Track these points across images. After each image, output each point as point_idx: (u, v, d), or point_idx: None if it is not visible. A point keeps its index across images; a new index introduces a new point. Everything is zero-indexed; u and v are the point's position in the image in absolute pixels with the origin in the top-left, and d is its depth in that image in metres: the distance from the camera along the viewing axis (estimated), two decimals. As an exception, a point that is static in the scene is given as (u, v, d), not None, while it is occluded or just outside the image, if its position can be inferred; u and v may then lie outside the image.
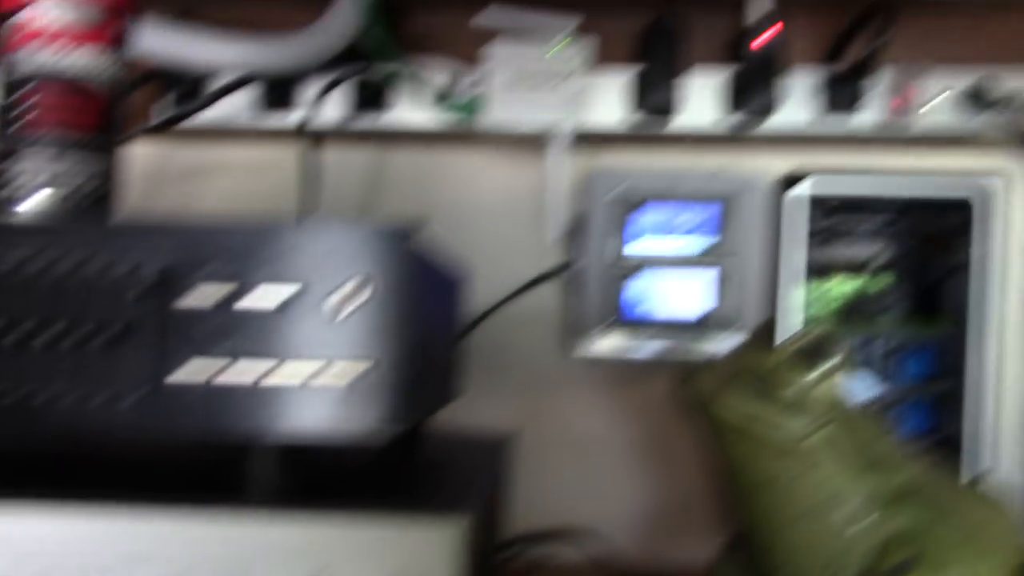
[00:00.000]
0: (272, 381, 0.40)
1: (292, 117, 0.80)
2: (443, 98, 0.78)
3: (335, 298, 0.40)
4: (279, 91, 0.80)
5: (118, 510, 0.38)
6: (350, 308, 0.40)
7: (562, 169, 0.77)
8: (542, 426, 0.82)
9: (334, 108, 0.80)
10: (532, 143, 0.81)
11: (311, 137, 0.78)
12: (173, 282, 0.40)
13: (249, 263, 0.40)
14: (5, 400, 0.40)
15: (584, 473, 0.82)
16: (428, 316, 0.46)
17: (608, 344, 0.76)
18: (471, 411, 0.81)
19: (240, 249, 0.40)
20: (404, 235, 0.40)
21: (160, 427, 0.40)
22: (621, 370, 0.82)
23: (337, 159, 0.83)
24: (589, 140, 0.81)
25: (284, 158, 0.84)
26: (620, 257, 0.76)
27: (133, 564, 0.38)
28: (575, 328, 0.77)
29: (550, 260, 0.81)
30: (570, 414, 0.82)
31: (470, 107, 0.78)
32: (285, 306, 0.40)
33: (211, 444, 0.40)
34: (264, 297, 0.40)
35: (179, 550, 0.38)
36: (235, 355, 0.40)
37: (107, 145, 0.49)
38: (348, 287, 0.40)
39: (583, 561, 0.78)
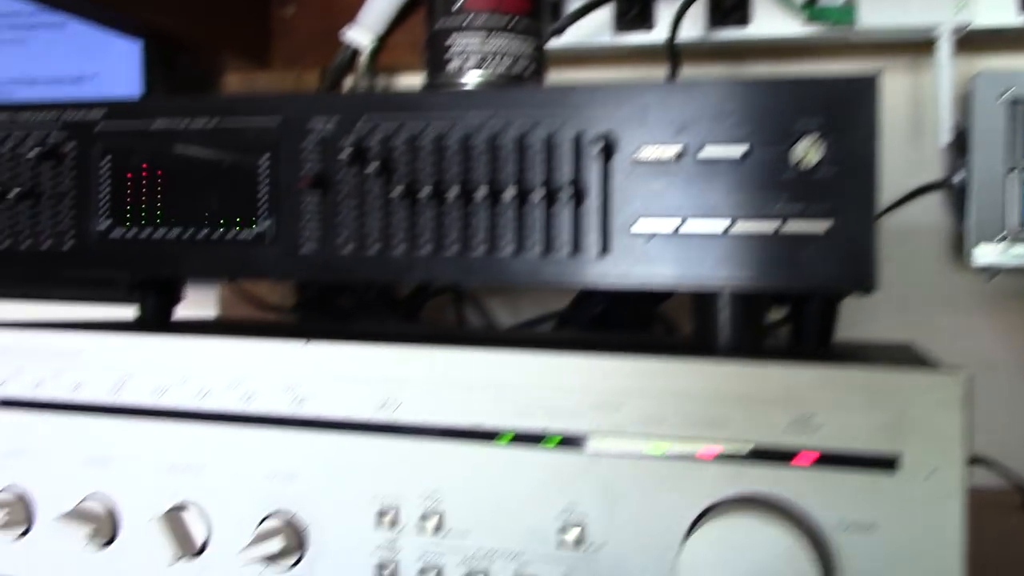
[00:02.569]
0: (739, 230, 0.42)
1: (651, 35, 0.83)
2: (809, 5, 0.79)
3: (792, 152, 0.42)
4: (638, 8, 0.84)
5: (588, 357, 0.42)
6: (808, 162, 0.42)
7: (945, 73, 0.76)
8: (927, 344, 0.80)
9: (691, 24, 0.82)
10: (907, 48, 0.80)
11: (672, 55, 0.80)
12: (617, 143, 0.44)
13: (696, 121, 0.43)
14: (477, 252, 0.46)
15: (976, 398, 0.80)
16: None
17: (1002, 255, 0.74)
18: (852, 327, 0.81)
19: (684, 107, 0.43)
20: (866, 85, 0.42)
21: (626, 275, 0.44)
22: (1016, 283, 0.80)
23: (693, 77, 0.86)
24: (972, 41, 0.78)
25: (644, 78, 0.88)
26: (1015, 162, 0.74)
27: (604, 411, 0.42)
28: (963, 240, 0.76)
29: (930, 170, 0.80)
30: (958, 331, 0.81)
31: (843, 13, 0.78)
32: (737, 162, 0.43)
33: (681, 291, 0.44)
34: (712, 154, 0.43)
35: (653, 398, 0.41)
36: (686, 213, 0.43)
37: (537, 30, 0.55)
38: (805, 142, 0.42)
39: (997, 486, 0.76)
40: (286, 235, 0.48)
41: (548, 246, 0.45)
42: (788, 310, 0.68)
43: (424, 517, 0.44)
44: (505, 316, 0.88)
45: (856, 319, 0.81)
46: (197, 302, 0.82)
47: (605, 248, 0.44)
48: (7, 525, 0.49)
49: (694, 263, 0.43)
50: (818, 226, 0.42)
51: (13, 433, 0.50)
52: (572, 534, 0.42)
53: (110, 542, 0.48)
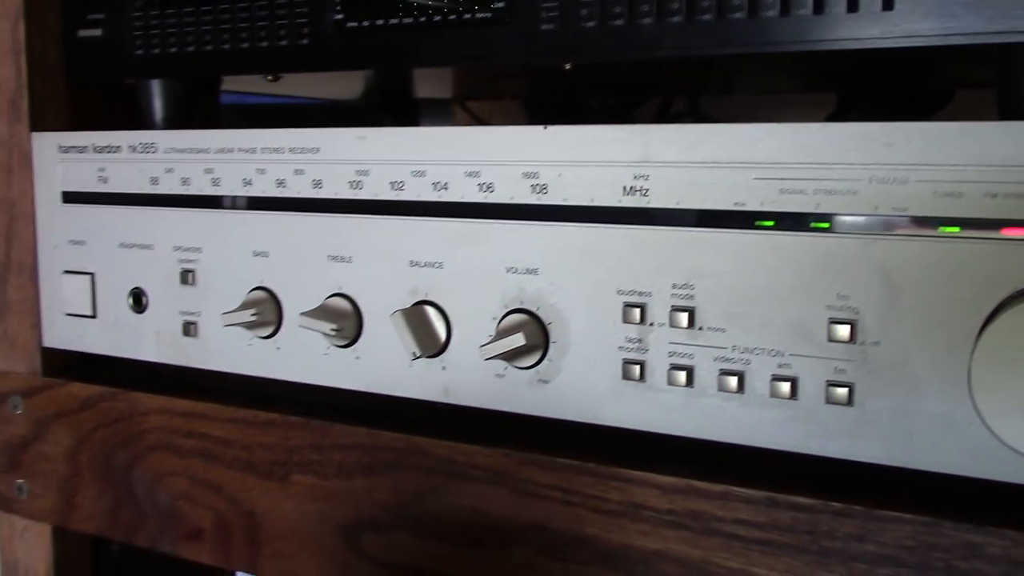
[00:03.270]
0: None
1: None
2: None
3: None
4: None
5: (865, 125, 0.37)
6: None
7: None
8: None
9: None
10: None
11: None
12: None
13: None
14: (738, 14, 0.40)
15: None
16: None
17: None
18: None
19: None
20: None
21: (914, 32, 0.37)
22: None
23: None
24: None
25: None
26: None
27: (886, 187, 0.36)
28: None
29: None
30: None
31: None
32: None
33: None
34: None
35: (948, 167, 0.35)
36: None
37: None
38: None
39: None
40: (524, 12, 0.45)
41: (821, 1, 0.39)
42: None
43: (675, 312, 0.40)
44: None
45: None
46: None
47: (889, 1, 0.38)
48: (256, 325, 0.50)
49: (1000, 10, 0.36)
50: None
51: (259, 234, 0.50)
52: (843, 330, 0.37)
53: (354, 341, 0.48)
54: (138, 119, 0.59)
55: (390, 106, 0.73)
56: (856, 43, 0.39)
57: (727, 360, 0.39)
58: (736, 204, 0.39)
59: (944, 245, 0.35)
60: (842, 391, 0.37)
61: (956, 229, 0.35)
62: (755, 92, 0.80)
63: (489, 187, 0.44)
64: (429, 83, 0.72)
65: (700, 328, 0.40)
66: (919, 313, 0.36)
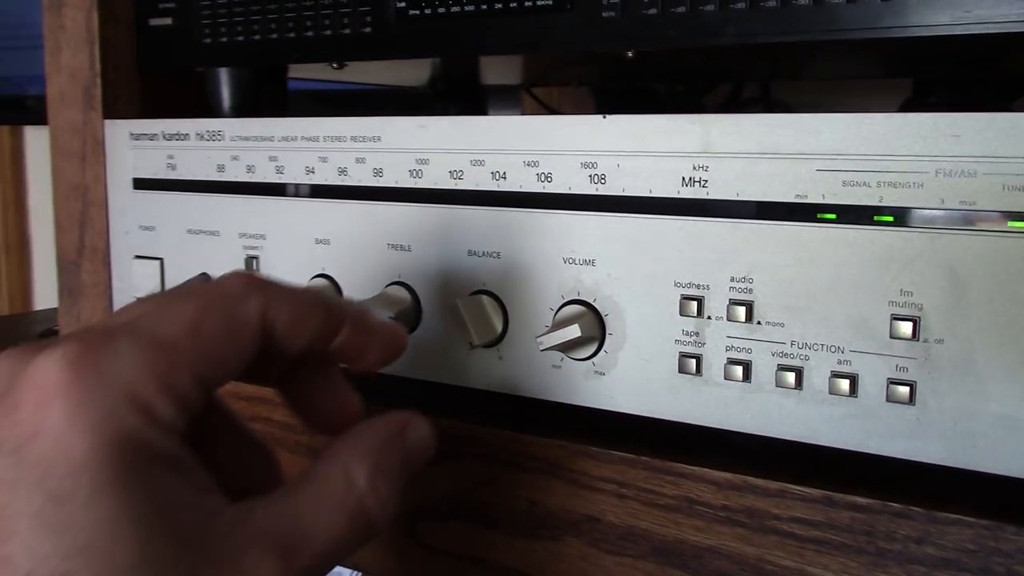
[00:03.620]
0: None
1: None
2: None
3: None
4: None
5: (932, 115, 0.35)
6: None
7: None
8: None
9: None
10: None
11: None
12: None
13: None
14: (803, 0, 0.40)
15: None
16: None
17: None
18: None
19: None
20: None
21: (990, 17, 0.36)
22: None
23: None
24: None
25: None
26: None
27: (954, 180, 0.35)
28: None
29: None
30: None
31: None
32: None
33: None
34: None
35: (1020, 160, 0.34)
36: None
37: None
38: None
39: None
40: (585, -1, 0.45)
41: (888, -12, 0.38)
42: None
43: (733, 305, 0.39)
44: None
45: None
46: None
47: (962, -14, 0.37)
48: (320, 310, 0.50)
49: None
50: None
51: (321, 221, 0.51)
52: (905, 327, 0.36)
53: (413, 328, 0.48)
54: (207, 107, 0.60)
55: (457, 93, 0.73)
56: (925, 30, 0.38)
57: (785, 355, 0.39)
58: (797, 196, 0.38)
59: (1013, 241, 0.34)
60: (903, 389, 0.36)
61: (1027, 225, 0.34)
62: (827, 78, 0.78)
63: (547, 177, 0.43)
64: (496, 70, 0.72)
65: (758, 322, 0.39)
66: (985, 311, 0.35)
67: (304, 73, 0.67)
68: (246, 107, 0.59)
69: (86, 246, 0.61)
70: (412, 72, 0.70)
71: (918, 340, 0.36)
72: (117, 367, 0.29)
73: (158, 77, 0.62)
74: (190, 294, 0.32)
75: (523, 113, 0.93)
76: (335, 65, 0.57)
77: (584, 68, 0.68)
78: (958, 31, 0.37)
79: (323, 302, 0.35)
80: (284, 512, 0.31)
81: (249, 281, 0.33)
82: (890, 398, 0.37)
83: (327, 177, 0.50)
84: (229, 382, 0.33)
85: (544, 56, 0.56)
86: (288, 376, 0.37)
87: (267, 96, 0.63)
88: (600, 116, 0.42)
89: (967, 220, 0.35)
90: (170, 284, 0.57)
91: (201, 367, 0.30)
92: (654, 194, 0.41)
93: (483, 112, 0.85)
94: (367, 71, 0.66)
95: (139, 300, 0.33)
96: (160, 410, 0.29)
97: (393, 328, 0.38)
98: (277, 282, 0.34)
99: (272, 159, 0.52)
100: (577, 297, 0.43)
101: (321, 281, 0.50)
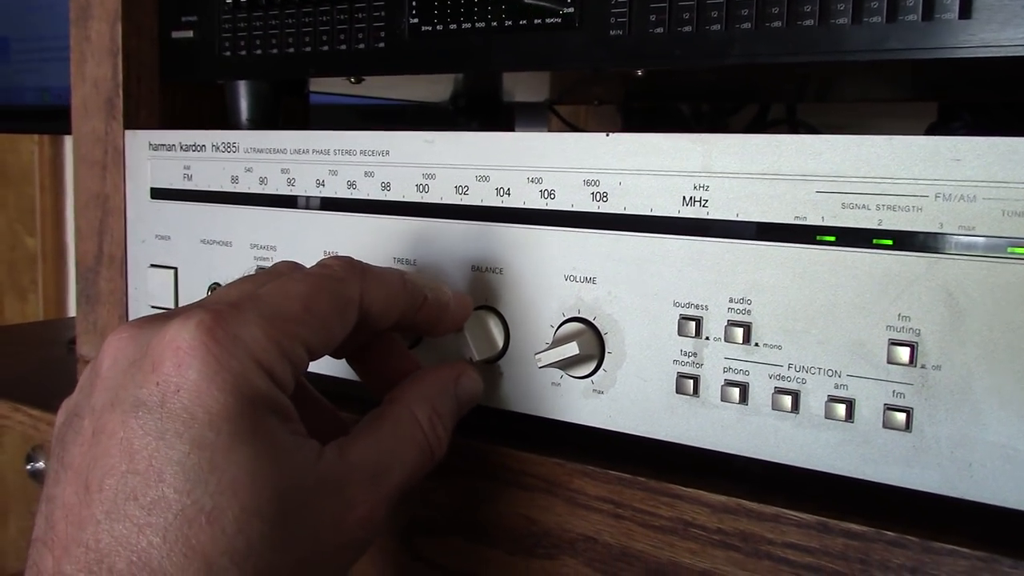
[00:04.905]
0: None
1: None
2: None
3: None
4: None
5: (932, 138, 0.35)
6: None
7: None
8: None
9: None
10: None
11: None
12: None
13: None
14: (807, 21, 0.39)
15: None
16: None
17: None
18: None
19: None
20: None
21: (994, 41, 0.36)
22: None
23: None
24: None
25: None
26: None
27: (953, 204, 0.35)
28: None
29: None
30: None
31: None
32: None
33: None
34: None
35: (1018, 186, 0.34)
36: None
37: None
38: None
39: None
40: (593, 17, 0.45)
41: (894, 8, 0.38)
42: None
43: (731, 326, 0.39)
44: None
45: None
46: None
47: (966, 8, 0.37)
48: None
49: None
50: None
51: (330, 234, 0.51)
52: (903, 352, 0.36)
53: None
54: (227, 119, 0.61)
55: (478, 109, 0.73)
56: (931, 53, 0.38)
57: (782, 378, 0.38)
58: (797, 218, 0.38)
59: (1012, 267, 0.34)
60: (900, 416, 0.36)
61: (1026, 251, 0.33)
62: (853, 100, 0.77)
63: (550, 194, 0.44)
64: (519, 87, 0.72)
65: (756, 344, 0.39)
66: (983, 338, 0.34)
67: (324, 87, 0.68)
68: (263, 120, 0.60)
69: (104, 254, 0.62)
70: (434, 88, 0.70)
71: (915, 366, 0.35)
72: (245, 334, 0.33)
73: (180, 89, 0.63)
74: (302, 275, 0.37)
75: (550, 130, 0.93)
76: (352, 80, 0.58)
77: (604, 87, 0.68)
78: (962, 54, 0.37)
79: (408, 284, 0.40)
80: (369, 447, 0.37)
81: (350, 265, 0.39)
82: (887, 424, 0.36)
83: (336, 190, 0.50)
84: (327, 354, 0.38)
85: (558, 73, 0.57)
86: (360, 350, 0.43)
87: (288, 109, 0.63)
88: (603, 134, 0.42)
89: (966, 245, 0.34)
90: (183, 294, 0.57)
91: (312, 338, 0.36)
92: (655, 213, 0.41)
93: (510, 129, 0.85)
94: (387, 86, 0.66)
95: (246, 278, 0.39)
96: (279, 372, 0.34)
97: (463, 299, 0.43)
98: (371, 267, 0.39)
99: (284, 171, 0.52)
100: (577, 315, 0.43)
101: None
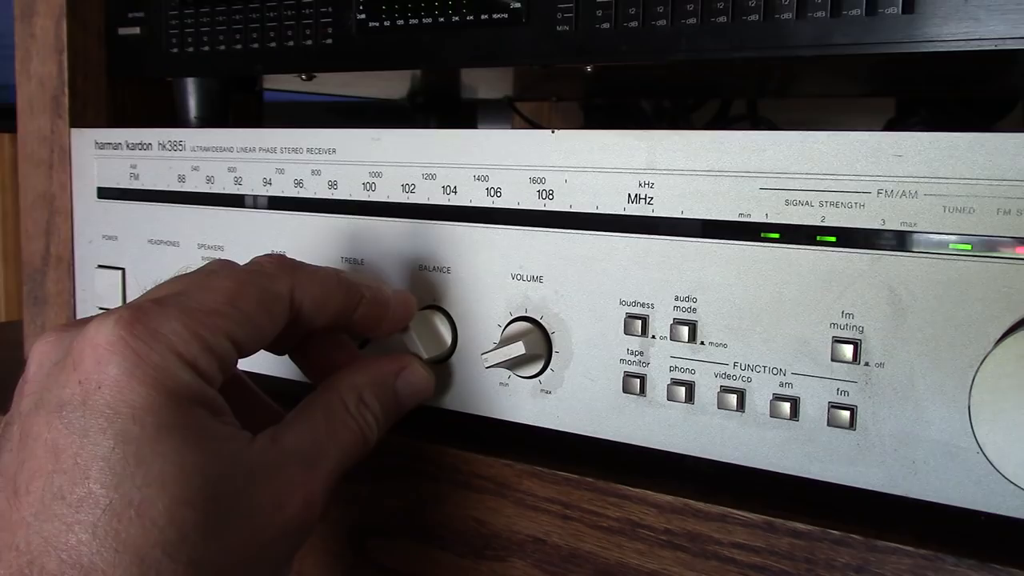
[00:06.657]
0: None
1: None
2: None
3: None
4: None
5: (875, 134, 0.35)
6: None
7: None
8: None
9: None
10: None
11: None
12: None
13: None
14: (752, 16, 0.39)
15: None
16: None
17: None
18: None
19: None
20: None
21: (937, 36, 0.36)
22: None
23: None
24: None
25: None
26: None
27: (894, 200, 0.35)
28: None
29: None
30: None
31: None
32: None
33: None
34: None
35: (960, 182, 0.34)
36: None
37: None
38: None
39: None
40: (540, 13, 0.44)
41: (838, 3, 0.38)
42: None
43: (677, 325, 0.39)
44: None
45: None
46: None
47: (909, 3, 0.36)
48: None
49: (1026, 13, 0.34)
50: None
51: (277, 233, 0.50)
52: (846, 350, 0.36)
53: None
54: (174, 116, 0.60)
55: (437, 106, 0.73)
56: (875, 47, 0.38)
57: (728, 377, 0.38)
58: (741, 215, 0.38)
59: (954, 263, 0.34)
60: (844, 414, 0.36)
61: (967, 247, 0.33)
62: (813, 95, 0.77)
63: (497, 192, 0.43)
64: (477, 83, 0.72)
65: (702, 343, 0.39)
66: (926, 335, 0.34)
67: (277, 84, 0.67)
68: (213, 117, 0.59)
69: (51, 255, 0.61)
70: (390, 85, 0.70)
71: (859, 364, 0.35)
72: (165, 328, 0.33)
73: (127, 86, 0.62)
74: (229, 271, 0.37)
75: (512, 127, 0.93)
76: (303, 76, 0.58)
77: (560, 83, 0.68)
78: (904, 49, 0.37)
79: (344, 282, 0.40)
80: (302, 433, 0.37)
81: (280, 262, 0.39)
82: (831, 422, 0.36)
83: (284, 189, 0.50)
84: (260, 350, 0.38)
85: (514, 70, 0.56)
86: (302, 345, 0.43)
87: (241, 107, 0.63)
88: (549, 131, 0.42)
89: (908, 242, 0.34)
90: (132, 295, 0.57)
91: (237, 332, 0.35)
92: (600, 210, 0.41)
93: (472, 126, 0.85)
94: (341, 83, 0.66)
95: (176, 277, 0.38)
96: (203, 365, 0.34)
97: (405, 298, 0.43)
98: (304, 264, 0.39)
99: (231, 170, 0.52)
100: (525, 314, 0.43)
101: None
